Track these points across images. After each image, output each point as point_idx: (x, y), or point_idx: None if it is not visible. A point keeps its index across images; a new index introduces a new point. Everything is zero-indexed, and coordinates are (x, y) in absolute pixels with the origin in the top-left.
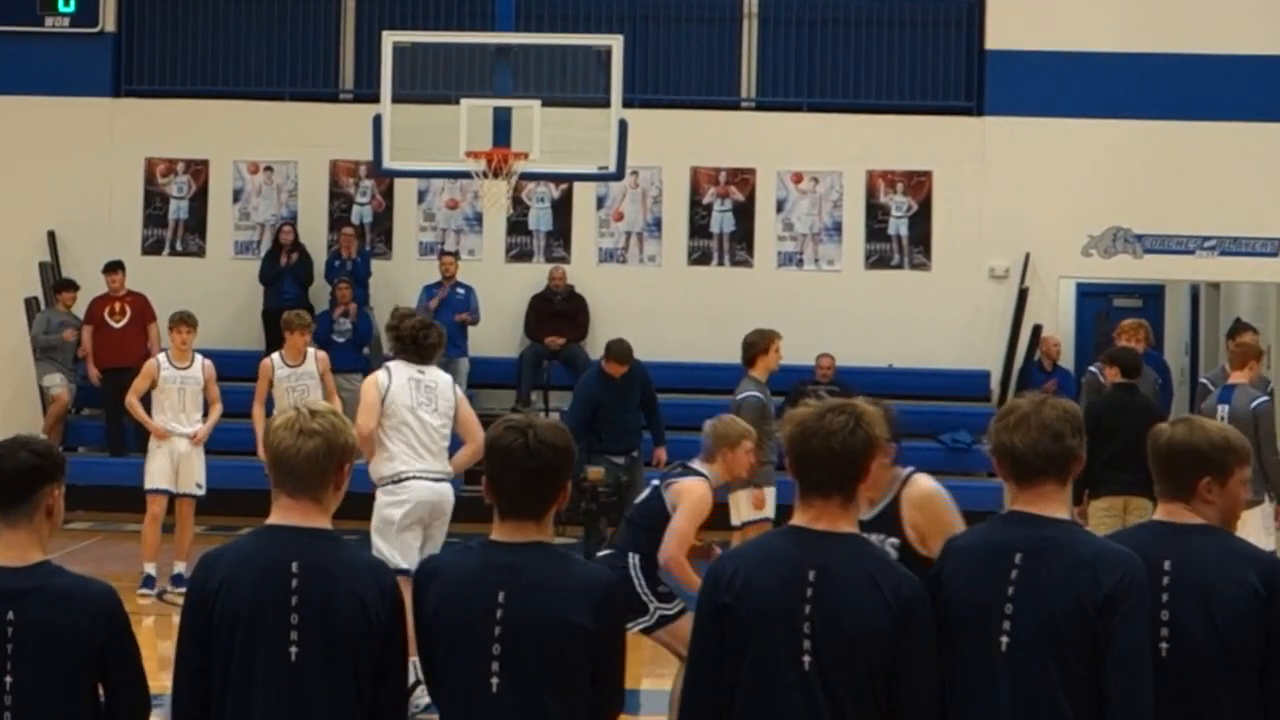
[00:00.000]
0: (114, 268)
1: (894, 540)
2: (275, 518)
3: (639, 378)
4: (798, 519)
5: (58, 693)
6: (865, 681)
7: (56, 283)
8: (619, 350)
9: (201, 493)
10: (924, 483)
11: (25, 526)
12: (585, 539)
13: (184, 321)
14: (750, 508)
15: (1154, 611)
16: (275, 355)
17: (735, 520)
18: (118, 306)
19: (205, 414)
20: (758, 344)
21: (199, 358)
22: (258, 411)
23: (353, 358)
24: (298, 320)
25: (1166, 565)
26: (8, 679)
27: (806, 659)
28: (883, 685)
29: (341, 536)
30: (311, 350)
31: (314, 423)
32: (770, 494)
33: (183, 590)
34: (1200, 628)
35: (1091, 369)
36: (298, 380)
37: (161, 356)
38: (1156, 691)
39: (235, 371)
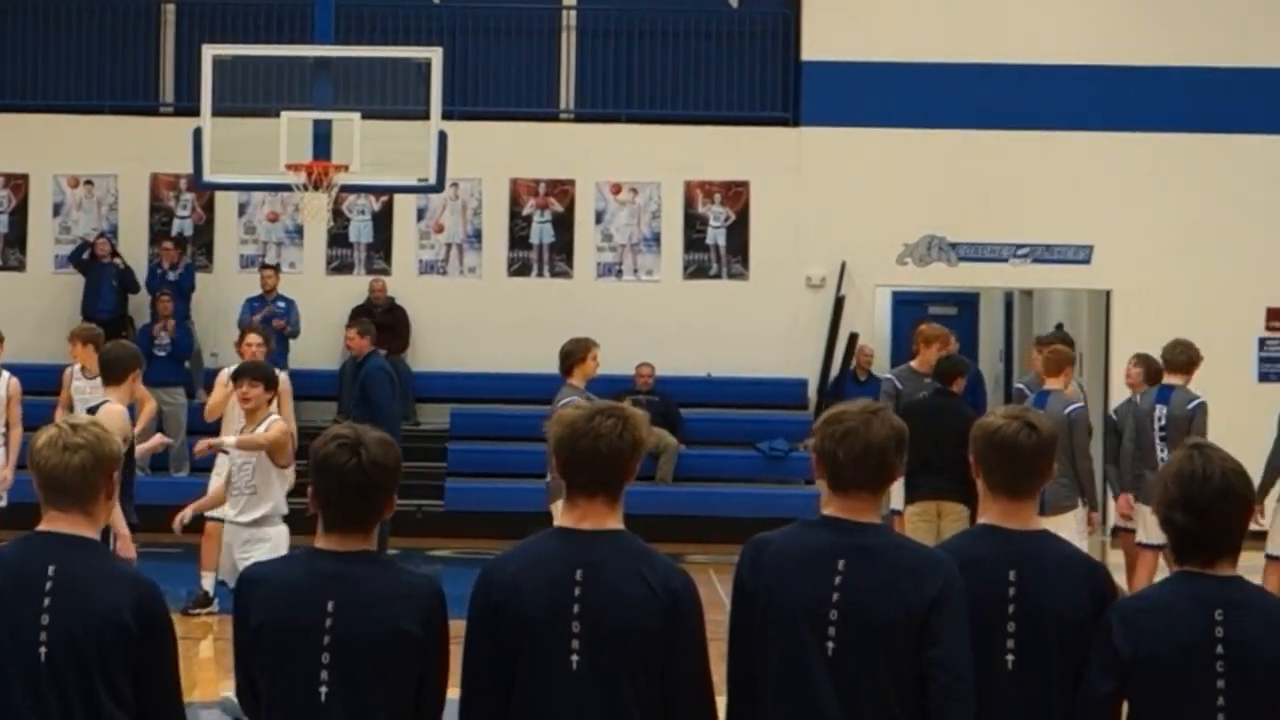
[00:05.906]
0: None
1: None
2: (46, 525)
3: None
4: (564, 519)
5: None
6: (639, 675)
7: None
8: None
9: (1, 503)
10: None
11: None
12: None
13: None
14: None
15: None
16: (75, 365)
17: None
18: None
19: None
20: (574, 352)
21: (4, 374)
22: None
23: (173, 371)
24: (77, 332)
25: (1012, 575)
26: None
27: (575, 658)
28: (657, 678)
29: (104, 546)
30: None
31: (77, 436)
32: None
33: None
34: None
35: (887, 376)
36: (91, 393)
37: None
38: (1004, 699)
39: (46, 384)
